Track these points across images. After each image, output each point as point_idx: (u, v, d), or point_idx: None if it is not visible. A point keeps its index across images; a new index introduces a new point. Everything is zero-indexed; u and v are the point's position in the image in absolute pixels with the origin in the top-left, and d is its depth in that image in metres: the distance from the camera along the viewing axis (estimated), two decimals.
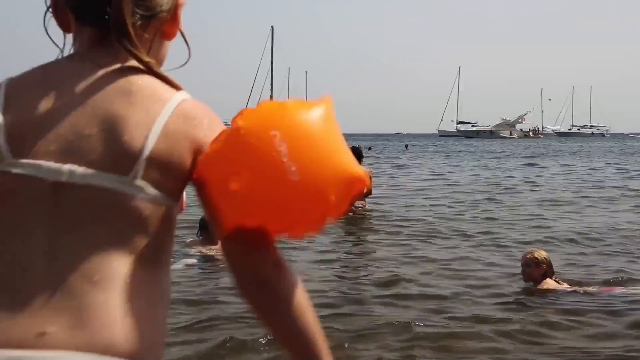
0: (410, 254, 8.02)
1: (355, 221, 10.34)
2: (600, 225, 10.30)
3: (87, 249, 1.08)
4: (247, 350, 4.55)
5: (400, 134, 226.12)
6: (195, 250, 7.37)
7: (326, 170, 1.15)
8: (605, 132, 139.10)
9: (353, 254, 8.32)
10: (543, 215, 11.64)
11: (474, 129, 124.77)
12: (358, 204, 10.67)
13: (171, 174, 1.14)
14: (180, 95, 1.19)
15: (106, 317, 1.06)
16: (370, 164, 18.41)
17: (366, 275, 6.91)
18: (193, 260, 7.07)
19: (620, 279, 6.59)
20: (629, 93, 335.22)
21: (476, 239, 9.15)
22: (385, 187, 16.05)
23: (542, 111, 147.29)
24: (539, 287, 5.95)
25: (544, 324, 5.15)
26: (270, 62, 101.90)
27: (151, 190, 1.12)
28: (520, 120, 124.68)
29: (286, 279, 1.21)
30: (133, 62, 1.17)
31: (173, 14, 1.25)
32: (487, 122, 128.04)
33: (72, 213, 1.09)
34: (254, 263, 1.19)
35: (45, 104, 1.12)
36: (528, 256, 6.13)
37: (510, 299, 5.86)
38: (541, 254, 6.14)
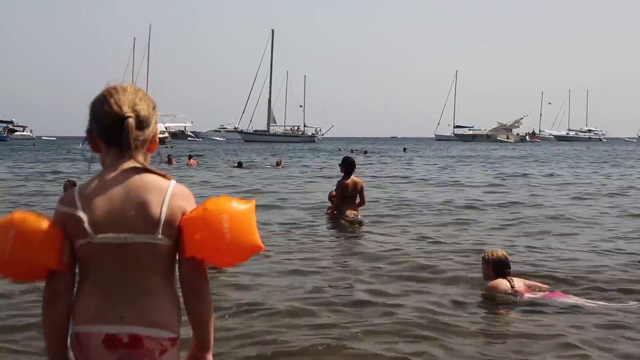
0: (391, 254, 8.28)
1: (347, 230, 10.62)
2: None
3: (139, 274, 2.17)
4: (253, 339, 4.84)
5: (396, 137, 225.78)
6: None
7: (244, 239, 2.20)
8: (601, 137, 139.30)
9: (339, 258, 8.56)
10: None
11: (470, 132, 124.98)
12: (351, 214, 10.99)
13: (173, 228, 2.19)
14: (171, 183, 2.21)
15: (153, 307, 2.17)
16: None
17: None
18: None
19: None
20: (625, 97, 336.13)
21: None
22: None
23: (541, 115, 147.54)
24: (489, 285, 6.24)
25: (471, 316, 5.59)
26: (269, 65, 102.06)
27: (165, 239, 2.18)
28: (517, 124, 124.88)
29: (208, 292, 2.25)
30: (139, 165, 2.20)
31: (153, 138, 2.29)
32: (483, 125, 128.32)
33: (129, 256, 2.16)
34: (195, 278, 2.22)
35: (104, 200, 2.15)
36: (482, 255, 6.54)
37: (463, 293, 6.31)
38: (493, 253, 6.35)
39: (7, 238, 2.10)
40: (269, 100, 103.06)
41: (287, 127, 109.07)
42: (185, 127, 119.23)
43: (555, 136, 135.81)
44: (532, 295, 6.13)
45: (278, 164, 32.93)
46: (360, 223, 10.98)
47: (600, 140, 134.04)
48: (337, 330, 5.13)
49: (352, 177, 11.24)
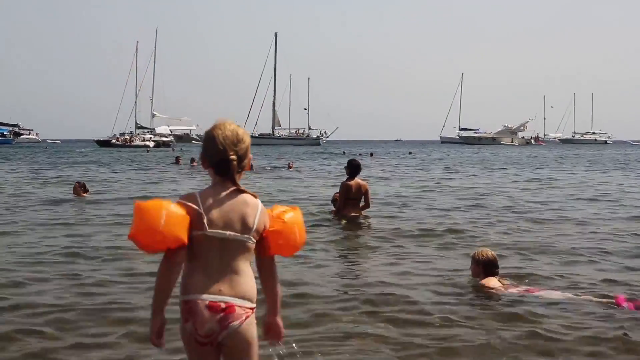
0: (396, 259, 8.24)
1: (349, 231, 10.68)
2: None
3: (234, 260, 2.98)
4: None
5: (401, 140, 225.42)
6: None
7: (303, 239, 3.26)
8: (607, 140, 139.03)
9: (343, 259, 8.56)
10: None
11: (476, 135, 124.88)
12: (353, 216, 11.08)
13: (258, 234, 3.03)
14: (259, 202, 3.04)
15: (241, 284, 2.96)
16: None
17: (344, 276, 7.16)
18: None
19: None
20: (629, 100, 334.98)
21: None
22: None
23: (545, 118, 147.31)
24: (480, 282, 6.52)
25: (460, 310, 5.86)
26: (273, 69, 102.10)
27: (252, 240, 3.01)
28: (522, 128, 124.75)
29: (276, 273, 3.18)
30: (238, 187, 3.02)
31: (248, 163, 3.08)
32: (488, 128, 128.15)
33: (227, 247, 2.96)
34: (273, 266, 3.16)
35: (216, 207, 2.95)
36: (471, 254, 6.76)
37: (453, 291, 6.53)
38: (483, 254, 6.61)
39: (161, 215, 2.85)
40: (274, 103, 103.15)
41: (291, 130, 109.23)
42: (190, 130, 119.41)
43: (560, 139, 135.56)
44: (518, 290, 6.40)
45: (289, 166, 33.01)
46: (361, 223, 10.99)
47: (606, 143, 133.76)
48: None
49: (357, 179, 11.24)
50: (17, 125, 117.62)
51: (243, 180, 3.08)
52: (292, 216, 3.14)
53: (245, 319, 2.94)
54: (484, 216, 12.89)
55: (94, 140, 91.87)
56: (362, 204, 11.29)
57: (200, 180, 23.57)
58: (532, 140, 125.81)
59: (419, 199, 16.35)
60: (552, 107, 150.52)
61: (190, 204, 2.94)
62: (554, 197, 17.05)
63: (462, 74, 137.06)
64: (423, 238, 10.01)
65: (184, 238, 2.89)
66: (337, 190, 11.91)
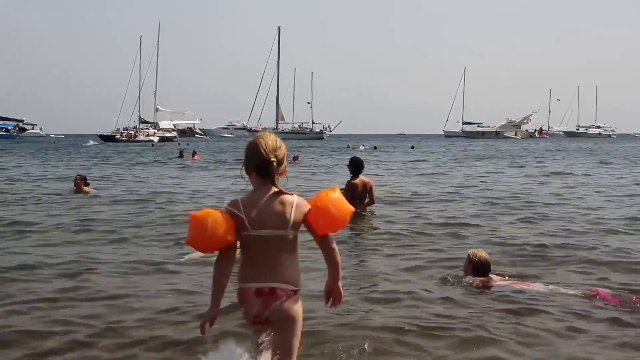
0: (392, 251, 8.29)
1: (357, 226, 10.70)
2: None
3: (278, 252, 3.55)
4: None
5: (403, 134, 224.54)
6: None
7: (344, 211, 3.76)
8: (611, 133, 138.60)
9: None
10: None
11: (479, 129, 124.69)
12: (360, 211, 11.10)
13: (298, 225, 3.60)
14: (294, 197, 3.60)
15: (282, 272, 3.54)
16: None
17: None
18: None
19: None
20: (634, 93, 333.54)
21: None
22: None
23: (550, 111, 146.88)
24: (469, 280, 6.77)
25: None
26: (277, 62, 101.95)
27: (292, 232, 3.58)
28: (525, 121, 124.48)
29: (336, 247, 3.71)
30: (277, 189, 3.59)
31: (284, 169, 3.64)
32: (492, 122, 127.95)
33: (270, 243, 3.54)
34: (330, 243, 3.68)
35: (257, 209, 3.53)
36: (467, 252, 7.05)
37: (444, 285, 6.76)
38: (477, 254, 6.87)
39: (208, 223, 3.47)
40: (277, 97, 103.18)
41: (295, 124, 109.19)
42: (194, 124, 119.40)
43: (564, 132, 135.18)
44: (504, 283, 6.64)
45: (295, 158, 32.89)
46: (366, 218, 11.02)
47: (610, 136, 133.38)
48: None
49: (361, 176, 11.23)
50: (21, 120, 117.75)
51: None
52: (324, 196, 3.68)
53: (287, 299, 3.54)
54: None
55: (97, 135, 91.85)
56: (366, 200, 11.31)
57: (204, 172, 23.58)
58: (536, 133, 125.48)
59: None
60: (558, 99, 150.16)
61: (234, 210, 3.57)
62: None
63: (465, 67, 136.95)
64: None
65: (231, 239, 3.54)
66: (339, 185, 11.91)
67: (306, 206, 3.62)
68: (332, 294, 3.73)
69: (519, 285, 6.57)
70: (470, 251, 7.01)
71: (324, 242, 3.68)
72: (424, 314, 5.65)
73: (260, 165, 3.56)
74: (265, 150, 3.56)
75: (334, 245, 3.69)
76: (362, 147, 59.59)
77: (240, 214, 3.53)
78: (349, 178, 11.31)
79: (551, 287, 6.50)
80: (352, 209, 3.77)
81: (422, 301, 6.06)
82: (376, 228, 10.33)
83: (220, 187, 18.40)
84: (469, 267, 6.85)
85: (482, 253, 6.91)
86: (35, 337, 5.02)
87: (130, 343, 4.91)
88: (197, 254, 7.31)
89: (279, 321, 3.55)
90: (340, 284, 3.71)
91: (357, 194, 11.12)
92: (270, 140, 3.62)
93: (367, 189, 11.25)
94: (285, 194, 3.59)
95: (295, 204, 3.59)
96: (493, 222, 11.12)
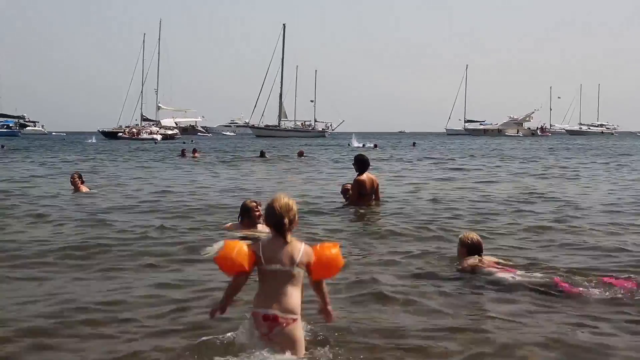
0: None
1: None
2: None
3: (283, 284, 4.40)
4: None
5: (404, 132, 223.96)
6: (240, 232, 8.77)
7: (338, 267, 4.66)
8: (613, 131, 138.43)
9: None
10: None
11: (481, 127, 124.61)
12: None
13: (302, 265, 4.44)
14: (302, 245, 4.49)
15: (290, 301, 4.38)
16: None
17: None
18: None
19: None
20: (636, 91, 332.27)
21: None
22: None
23: (551, 109, 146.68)
24: (462, 262, 7.11)
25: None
26: (281, 60, 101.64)
27: (298, 270, 4.42)
28: (527, 119, 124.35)
29: (324, 288, 4.65)
30: (289, 240, 4.47)
31: (295, 223, 4.52)
32: (494, 120, 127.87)
33: (279, 276, 4.41)
34: (322, 283, 4.61)
35: (271, 249, 4.43)
36: (459, 236, 7.38)
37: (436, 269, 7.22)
38: (468, 236, 7.23)
39: (236, 249, 4.42)
40: (280, 95, 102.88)
41: (297, 122, 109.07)
42: (196, 122, 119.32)
43: (567, 130, 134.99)
44: (493, 269, 6.89)
45: (300, 154, 33.00)
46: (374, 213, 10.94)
47: (612, 134, 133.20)
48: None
49: (368, 174, 11.18)
50: (22, 117, 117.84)
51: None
52: (326, 253, 4.53)
53: (287, 325, 4.35)
54: None
55: (98, 130, 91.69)
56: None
57: (203, 168, 23.63)
58: (538, 131, 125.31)
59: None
60: (559, 97, 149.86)
61: (254, 248, 4.45)
62: None
63: (467, 65, 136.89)
64: None
65: (245, 267, 4.41)
66: (343, 182, 11.85)
67: (311, 256, 4.47)
68: (323, 313, 4.67)
69: (501, 273, 6.76)
70: (462, 235, 7.32)
71: (317, 283, 4.60)
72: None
73: (275, 224, 4.44)
74: (279, 212, 4.43)
75: (324, 285, 4.63)
76: (356, 144, 59.10)
77: (258, 252, 4.42)
78: (353, 175, 11.30)
79: (528, 274, 6.74)
80: (342, 263, 4.61)
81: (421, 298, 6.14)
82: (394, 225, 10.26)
83: (223, 184, 18.45)
84: (462, 249, 7.16)
85: (473, 235, 7.25)
86: None
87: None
88: (215, 251, 7.50)
89: (282, 343, 4.36)
90: (329, 307, 4.63)
91: (365, 191, 11.10)
92: (284, 203, 4.46)
93: (374, 187, 11.21)
94: (295, 242, 4.50)
95: (303, 250, 4.46)
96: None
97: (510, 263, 7.22)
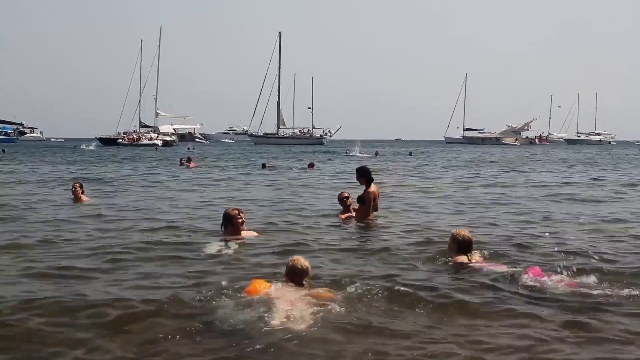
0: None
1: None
2: None
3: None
4: None
5: (401, 140, 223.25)
6: (228, 238, 8.98)
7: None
8: (611, 140, 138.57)
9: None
10: None
11: (480, 135, 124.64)
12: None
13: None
14: (306, 290, 6.17)
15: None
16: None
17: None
18: (222, 245, 8.67)
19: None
20: (633, 100, 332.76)
21: None
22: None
23: (550, 118, 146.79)
24: (453, 258, 7.49)
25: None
26: (277, 68, 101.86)
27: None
28: (526, 128, 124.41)
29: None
30: (301, 287, 6.30)
31: (308, 278, 6.47)
32: (492, 128, 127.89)
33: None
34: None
35: (286, 292, 5.97)
36: (452, 232, 7.70)
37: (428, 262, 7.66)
38: (460, 233, 7.53)
39: (260, 286, 6.00)
40: (278, 102, 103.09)
41: (295, 130, 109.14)
42: (194, 129, 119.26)
43: (565, 139, 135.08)
44: (483, 265, 7.29)
45: (311, 166, 32.76)
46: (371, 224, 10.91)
47: (610, 143, 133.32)
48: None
49: (373, 185, 11.20)
50: (21, 124, 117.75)
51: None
52: (325, 297, 5.92)
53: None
54: None
55: (96, 137, 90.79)
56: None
57: (197, 175, 23.68)
58: (536, 140, 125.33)
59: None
60: (559, 106, 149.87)
61: (266, 288, 5.96)
62: None
63: (466, 74, 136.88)
64: None
65: (262, 293, 5.83)
66: (340, 191, 11.73)
67: (320, 299, 5.82)
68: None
69: (488, 267, 7.16)
70: (455, 231, 7.63)
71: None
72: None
73: (294, 276, 6.20)
74: (300, 270, 6.22)
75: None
76: (357, 152, 58.21)
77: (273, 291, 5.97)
78: (356, 186, 11.29)
79: (510, 269, 7.07)
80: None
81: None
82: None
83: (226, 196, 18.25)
84: (453, 245, 7.49)
85: (465, 232, 7.57)
86: None
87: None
88: (214, 250, 8.40)
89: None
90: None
91: (375, 202, 11.17)
92: (302, 264, 6.25)
93: (377, 197, 11.28)
94: (306, 289, 6.09)
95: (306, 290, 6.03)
96: None
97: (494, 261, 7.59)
